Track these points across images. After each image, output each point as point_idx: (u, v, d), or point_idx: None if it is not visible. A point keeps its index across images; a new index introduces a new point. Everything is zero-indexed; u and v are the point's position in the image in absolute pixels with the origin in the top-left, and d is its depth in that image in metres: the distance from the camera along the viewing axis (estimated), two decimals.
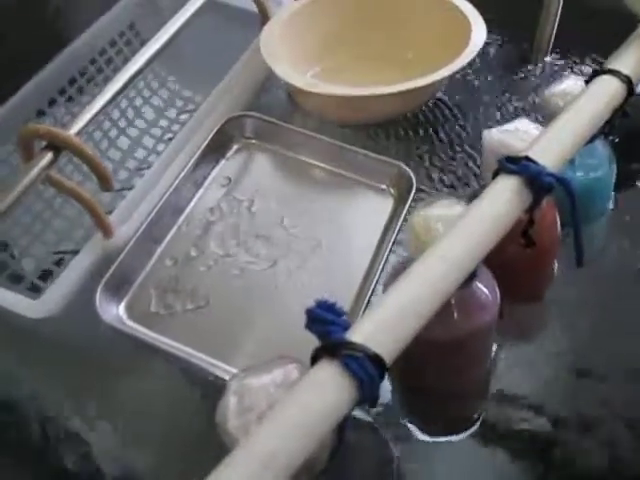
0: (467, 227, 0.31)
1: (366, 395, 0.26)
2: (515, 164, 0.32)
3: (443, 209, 0.37)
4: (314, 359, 0.27)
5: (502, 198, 0.32)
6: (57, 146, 0.43)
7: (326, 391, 0.25)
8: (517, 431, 0.45)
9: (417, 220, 0.37)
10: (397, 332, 0.27)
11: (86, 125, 0.45)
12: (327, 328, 0.27)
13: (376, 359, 0.26)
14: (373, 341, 0.26)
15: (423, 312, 0.28)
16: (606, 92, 0.37)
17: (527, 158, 0.32)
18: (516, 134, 0.43)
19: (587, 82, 0.39)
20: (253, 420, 0.28)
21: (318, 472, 0.29)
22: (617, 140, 0.56)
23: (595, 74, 0.38)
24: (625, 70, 0.38)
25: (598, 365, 0.47)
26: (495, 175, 0.33)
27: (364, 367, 0.25)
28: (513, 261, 0.40)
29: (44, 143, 0.45)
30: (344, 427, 0.28)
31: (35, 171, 0.42)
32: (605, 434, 0.44)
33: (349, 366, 0.25)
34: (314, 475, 0.29)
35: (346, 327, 0.27)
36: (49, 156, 0.43)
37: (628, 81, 0.38)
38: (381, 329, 0.27)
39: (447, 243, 0.30)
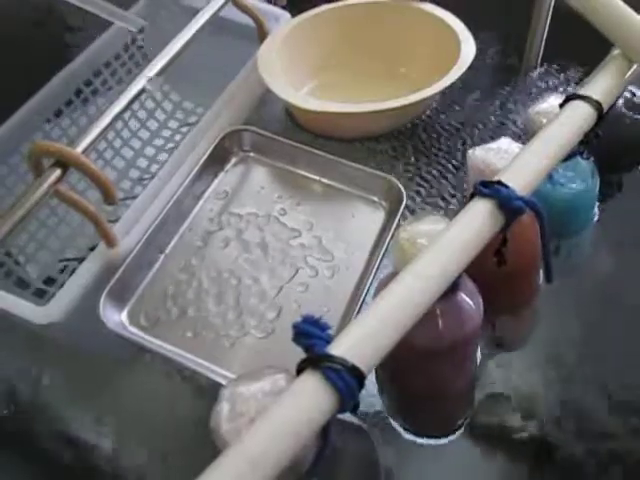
0: (442, 247, 0.33)
1: (346, 403, 0.29)
2: (488, 188, 0.34)
3: (429, 225, 0.38)
4: (299, 370, 0.29)
5: (476, 220, 0.34)
6: (65, 163, 0.46)
7: (309, 400, 0.28)
8: (504, 433, 0.47)
9: (403, 235, 0.38)
10: (374, 345, 0.30)
11: (93, 142, 0.47)
12: (311, 342, 0.29)
13: (354, 370, 0.29)
14: (352, 354, 0.29)
15: (399, 326, 0.31)
16: (578, 117, 0.39)
17: (499, 182, 0.35)
18: (498, 153, 0.44)
19: (561, 106, 0.41)
20: (244, 425, 0.30)
21: (304, 472, 0.32)
22: (599, 153, 0.58)
23: (568, 99, 0.41)
24: (595, 96, 0.40)
25: (585, 369, 0.49)
26: (471, 197, 0.36)
27: (343, 378, 0.28)
28: (496, 274, 0.42)
29: (52, 159, 0.47)
30: (328, 430, 0.30)
31: (44, 187, 0.44)
32: (591, 437, 0.46)
33: (329, 377, 0.28)
34: (300, 475, 0.32)
35: (329, 341, 0.30)
36: (57, 172, 0.45)
37: (598, 106, 0.40)
38: (359, 343, 0.30)
39: (423, 261, 0.33)
